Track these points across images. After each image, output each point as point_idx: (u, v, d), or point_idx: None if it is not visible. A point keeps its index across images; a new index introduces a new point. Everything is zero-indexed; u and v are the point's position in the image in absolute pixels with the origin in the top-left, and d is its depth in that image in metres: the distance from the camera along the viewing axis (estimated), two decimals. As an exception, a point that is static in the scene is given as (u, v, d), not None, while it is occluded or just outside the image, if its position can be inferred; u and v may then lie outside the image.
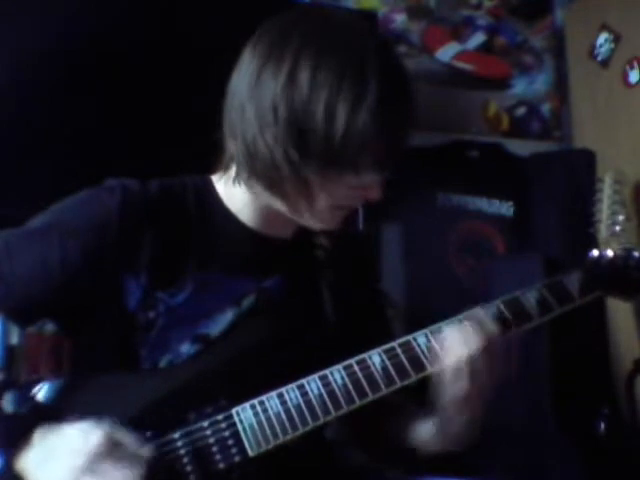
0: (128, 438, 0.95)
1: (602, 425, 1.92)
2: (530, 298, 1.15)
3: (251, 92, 1.04)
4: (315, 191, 1.05)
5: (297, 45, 1.02)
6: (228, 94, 1.09)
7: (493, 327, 1.09)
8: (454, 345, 1.06)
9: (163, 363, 1.09)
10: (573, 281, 1.18)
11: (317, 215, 1.10)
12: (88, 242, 1.07)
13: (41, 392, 1.04)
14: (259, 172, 1.05)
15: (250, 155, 1.04)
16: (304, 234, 1.20)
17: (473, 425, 1.12)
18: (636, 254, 1.22)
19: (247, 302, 1.13)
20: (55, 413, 0.99)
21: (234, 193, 1.15)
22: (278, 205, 1.10)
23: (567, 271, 1.19)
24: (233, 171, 1.12)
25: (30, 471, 0.93)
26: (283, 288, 1.16)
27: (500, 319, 1.12)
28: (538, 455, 1.91)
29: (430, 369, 1.08)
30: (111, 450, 0.92)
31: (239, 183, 1.11)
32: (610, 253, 1.22)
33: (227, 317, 1.12)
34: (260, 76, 1.03)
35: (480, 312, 1.11)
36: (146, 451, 0.95)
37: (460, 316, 1.12)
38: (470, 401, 1.08)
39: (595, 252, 1.22)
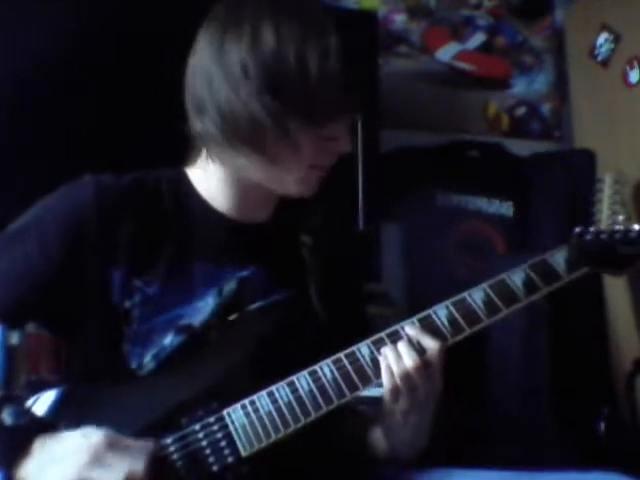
0: (128, 438, 0.96)
1: (602, 425, 1.92)
2: (516, 280, 1.14)
3: (216, 63, 1.06)
4: (296, 143, 1.06)
5: (253, 11, 1.06)
6: (188, 75, 1.11)
7: (430, 342, 1.08)
8: (388, 365, 1.06)
9: (149, 358, 1.09)
10: (559, 259, 1.17)
11: (296, 175, 1.11)
12: (67, 237, 1.08)
13: (37, 405, 1.04)
14: (237, 134, 1.06)
15: (226, 120, 1.05)
16: (281, 221, 1.21)
17: (421, 431, 1.13)
18: (622, 228, 1.21)
19: (227, 289, 1.13)
20: (52, 424, 0.99)
21: (207, 180, 1.16)
22: (256, 172, 1.10)
23: (552, 250, 1.18)
24: (204, 152, 1.13)
25: (32, 479, 0.93)
26: (263, 278, 1.15)
27: (487, 302, 1.12)
28: (537, 455, 1.92)
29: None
30: (114, 445, 0.93)
31: (212, 160, 1.12)
32: (595, 228, 1.22)
33: (208, 305, 1.12)
34: (222, 46, 1.06)
35: (416, 328, 1.09)
36: (149, 444, 0.96)
37: (448, 302, 1.12)
38: (413, 412, 1.09)
39: (579, 228, 1.21)
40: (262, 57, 1.03)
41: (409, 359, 1.05)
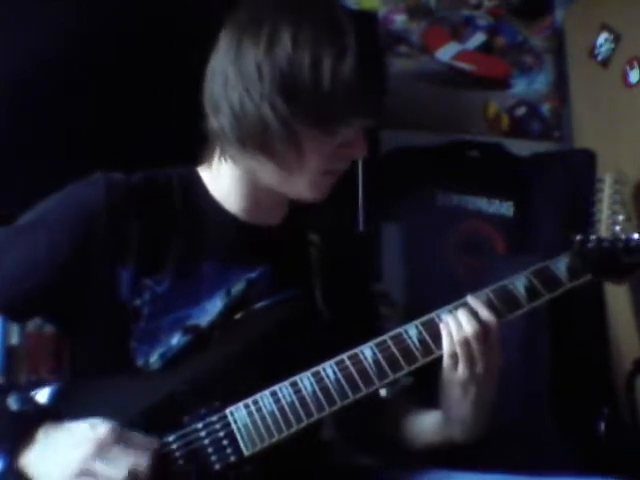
0: (134, 433, 0.96)
1: (602, 425, 1.92)
2: (519, 286, 1.16)
3: (233, 63, 1.06)
4: (305, 148, 1.06)
5: (272, 14, 1.05)
6: (208, 74, 1.11)
7: (487, 313, 1.11)
8: (449, 330, 1.09)
9: (155, 357, 1.09)
10: (560, 266, 1.19)
11: (307, 180, 1.10)
12: (76, 234, 1.08)
13: (39, 396, 1.05)
14: (248, 135, 1.06)
15: (237, 119, 1.05)
16: (293, 225, 1.21)
17: (479, 411, 1.13)
18: (624, 237, 1.22)
19: (236, 291, 1.13)
20: (57, 414, 0.99)
21: (220, 180, 1.16)
22: (267, 175, 1.10)
23: (555, 257, 1.20)
24: (218, 151, 1.13)
25: (33, 466, 0.93)
26: (271, 279, 1.16)
27: (489, 307, 1.13)
28: (537, 455, 1.91)
29: (421, 360, 1.09)
30: (120, 439, 0.94)
31: (225, 159, 1.12)
32: (597, 236, 1.22)
33: (216, 306, 1.12)
34: (240, 47, 1.06)
35: (472, 300, 1.13)
36: (154, 441, 0.97)
37: (450, 306, 1.13)
38: (471, 385, 1.10)
39: (581, 235, 1.22)
40: (277, 61, 1.03)
41: (469, 326, 1.09)
